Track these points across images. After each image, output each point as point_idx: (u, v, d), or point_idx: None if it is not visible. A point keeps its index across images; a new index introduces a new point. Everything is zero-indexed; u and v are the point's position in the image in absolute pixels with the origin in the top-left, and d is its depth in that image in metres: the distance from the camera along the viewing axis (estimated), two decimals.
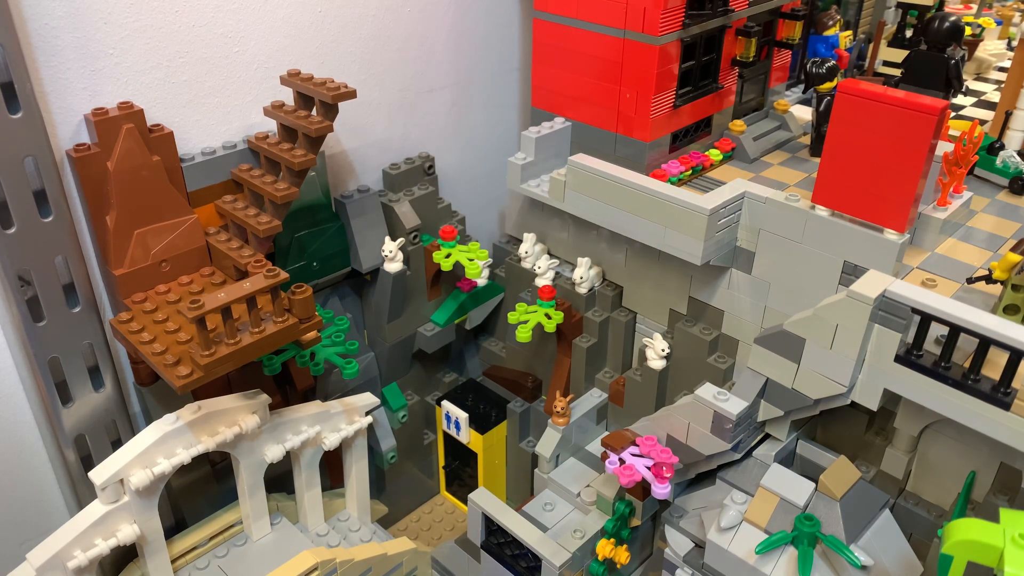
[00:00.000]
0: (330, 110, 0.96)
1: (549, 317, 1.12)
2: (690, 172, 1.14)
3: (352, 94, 0.94)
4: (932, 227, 0.98)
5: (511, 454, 1.32)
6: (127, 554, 0.97)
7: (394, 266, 1.18)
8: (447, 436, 1.37)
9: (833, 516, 0.88)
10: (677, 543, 1.00)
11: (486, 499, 1.10)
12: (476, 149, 1.42)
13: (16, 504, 1.04)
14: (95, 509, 0.88)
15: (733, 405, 0.93)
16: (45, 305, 0.91)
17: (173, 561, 0.99)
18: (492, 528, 1.10)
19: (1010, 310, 0.83)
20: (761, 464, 0.98)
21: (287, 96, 1.04)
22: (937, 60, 1.12)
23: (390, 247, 1.17)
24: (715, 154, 1.18)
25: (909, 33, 1.37)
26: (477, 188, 1.45)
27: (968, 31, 1.47)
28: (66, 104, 0.90)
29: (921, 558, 0.92)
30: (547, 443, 1.17)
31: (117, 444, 1.02)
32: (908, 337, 0.82)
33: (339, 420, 1.06)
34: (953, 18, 1.11)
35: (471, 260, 1.16)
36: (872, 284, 0.82)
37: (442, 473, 1.46)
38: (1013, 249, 0.89)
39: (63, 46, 0.88)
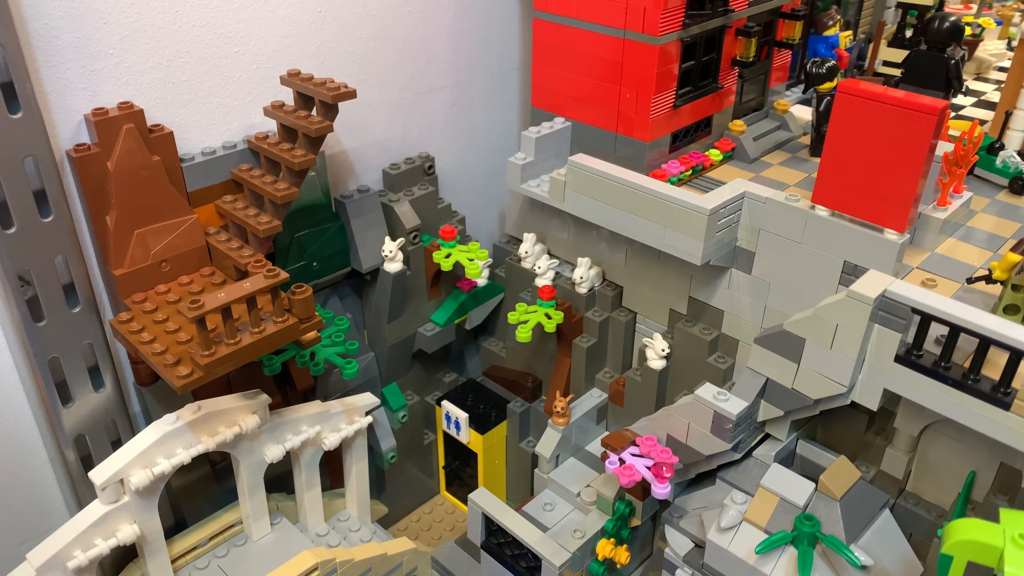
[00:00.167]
0: (330, 110, 0.96)
1: (549, 317, 1.12)
2: (690, 172, 1.14)
3: (352, 94, 0.94)
4: (932, 227, 0.98)
5: (511, 454, 1.32)
6: (127, 554, 0.97)
7: (394, 266, 1.18)
8: (447, 436, 1.37)
9: (833, 516, 0.88)
10: (677, 543, 1.00)
11: (486, 499, 1.10)
12: (476, 149, 1.42)
13: (16, 504, 1.04)
14: (95, 509, 0.88)
15: (733, 405, 0.93)
16: (45, 305, 0.91)
17: (173, 561, 0.99)
18: (492, 528, 1.10)
19: (1010, 310, 0.83)
20: (761, 464, 0.98)
21: (287, 96, 1.04)
22: (937, 60, 1.13)
23: (390, 247, 1.17)
24: (715, 154, 1.18)
25: (909, 33, 1.37)
26: (477, 188, 1.45)
27: (968, 31, 1.47)
28: (66, 104, 0.90)
29: (921, 558, 0.92)
30: (547, 443, 1.17)
31: (117, 444, 1.02)
32: (908, 337, 0.82)
33: (339, 420, 1.06)
34: (953, 18, 1.11)
35: (471, 260, 1.16)
36: (872, 284, 0.82)
37: (442, 473, 1.46)
38: (1013, 249, 0.89)
39: (63, 46, 0.88)
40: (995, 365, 0.78)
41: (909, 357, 0.82)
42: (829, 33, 1.35)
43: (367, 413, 1.09)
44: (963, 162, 0.99)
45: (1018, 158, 1.10)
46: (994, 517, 0.65)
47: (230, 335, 0.84)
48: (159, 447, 0.88)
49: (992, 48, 1.64)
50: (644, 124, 1.11)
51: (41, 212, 0.88)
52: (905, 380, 0.83)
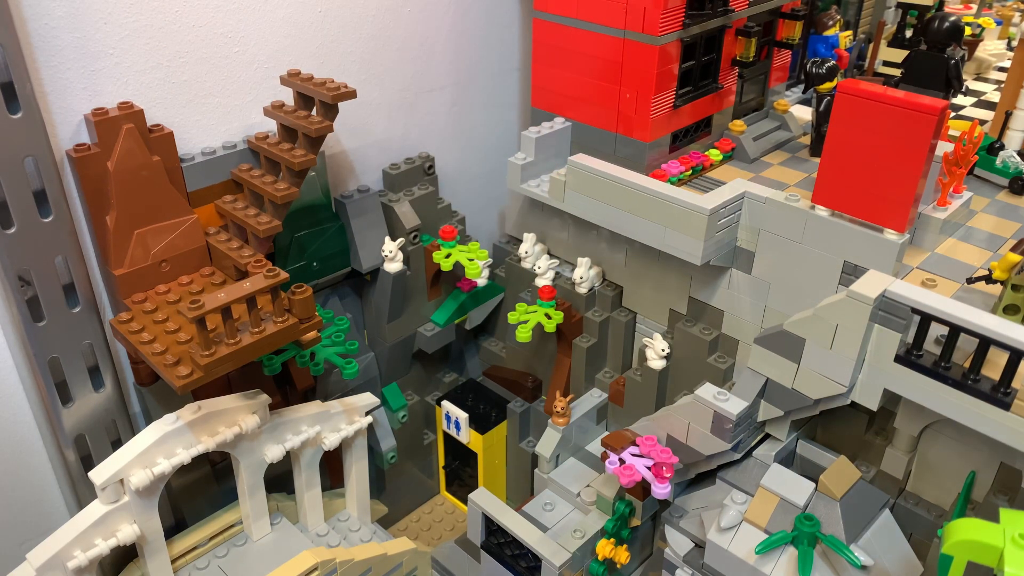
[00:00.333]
0: (330, 110, 0.96)
1: (549, 317, 1.12)
2: (690, 172, 1.14)
3: (352, 94, 0.94)
4: (932, 227, 0.98)
5: (511, 454, 1.32)
6: (127, 554, 0.97)
7: (394, 266, 1.18)
8: (447, 436, 1.37)
9: (833, 516, 0.88)
10: (677, 543, 1.00)
11: (486, 499, 1.10)
12: (476, 149, 1.42)
13: (16, 504, 1.04)
14: (95, 509, 0.88)
15: (733, 405, 0.93)
16: (45, 305, 0.91)
17: (173, 561, 0.99)
18: (492, 528, 1.10)
19: (1010, 310, 0.83)
20: (761, 464, 0.98)
21: (287, 96, 1.04)
22: (937, 60, 1.13)
23: (390, 247, 1.17)
24: (715, 154, 1.18)
25: (909, 33, 1.37)
26: (477, 188, 1.45)
27: (968, 31, 1.47)
28: (66, 104, 0.90)
29: (921, 558, 0.92)
30: (547, 443, 1.17)
31: (117, 444, 1.02)
32: (908, 337, 0.82)
33: (339, 420, 1.06)
34: (953, 18, 1.11)
35: (471, 260, 1.16)
36: (872, 284, 0.82)
37: (442, 473, 1.46)
38: (1013, 249, 0.89)
39: (63, 46, 0.88)
40: (995, 365, 0.78)
41: (909, 357, 0.82)
42: (829, 33, 1.35)
43: (367, 413, 1.09)
44: (963, 162, 0.99)
45: (1018, 158, 1.10)
46: (994, 517, 0.65)
47: (230, 335, 0.84)
48: (159, 447, 0.88)
49: (992, 48, 1.64)
50: (644, 124, 1.11)
51: (41, 212, 0.88)
52: (905, 380, 0.83)
